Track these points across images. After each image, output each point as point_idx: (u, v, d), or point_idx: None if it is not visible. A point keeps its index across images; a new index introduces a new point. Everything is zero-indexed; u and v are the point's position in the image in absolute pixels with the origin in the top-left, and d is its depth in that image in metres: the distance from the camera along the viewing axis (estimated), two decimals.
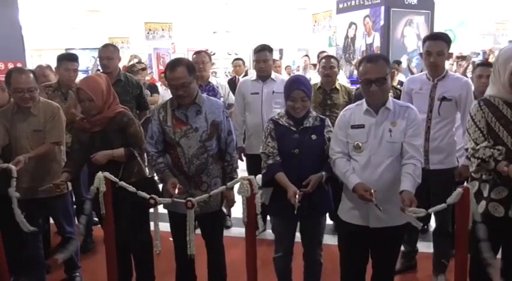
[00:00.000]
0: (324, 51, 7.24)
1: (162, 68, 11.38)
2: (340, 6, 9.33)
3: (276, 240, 2.76)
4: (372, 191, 2.13)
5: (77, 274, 3.32)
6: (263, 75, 3.85)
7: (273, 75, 3.91)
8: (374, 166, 2.25)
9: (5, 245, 2.84)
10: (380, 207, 2.14)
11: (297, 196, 2.32)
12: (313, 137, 2.51)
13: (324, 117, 2.66)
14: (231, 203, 2.76)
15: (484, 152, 2.17)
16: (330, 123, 2.60)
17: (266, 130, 2.60)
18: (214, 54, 12.89)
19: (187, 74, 2.50)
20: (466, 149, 2.32)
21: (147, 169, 2.90)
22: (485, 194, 2.28)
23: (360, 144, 2.25)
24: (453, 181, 3.00)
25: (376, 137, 2.27)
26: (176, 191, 2.45)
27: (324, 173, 2.46)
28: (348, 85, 4.55)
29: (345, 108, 2.47)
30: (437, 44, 2.83)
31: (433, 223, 3.73)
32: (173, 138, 2.59)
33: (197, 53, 4.24)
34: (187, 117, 2.60)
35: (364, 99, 2.36)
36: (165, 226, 4.05)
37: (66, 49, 14.40)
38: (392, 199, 2.23)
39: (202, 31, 14.90)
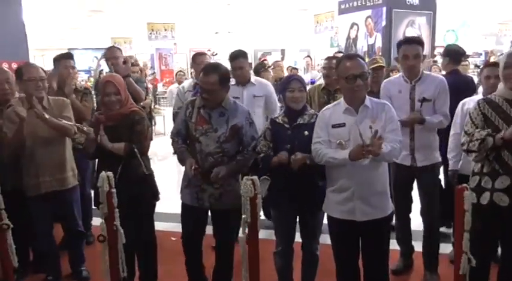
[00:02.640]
0: (340, 52, 7.16)
1: (164, 68, 11.41)
2: (342, 7, 9.35)
3: (276, 234, 2.82)
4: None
5: (84, 267, 3.36)
6: (242, 81, 3.77)
7: (253, 79, 3.86)
8: (357, 162, 2.30)
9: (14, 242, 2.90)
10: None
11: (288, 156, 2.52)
12: (306, 133, 2.58)
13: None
14: (215, 177, 2.65)
15: (480, 134, 2.32)
16: None
17: (263, 130, 2.77)
18: (216, 54, 12.92)
19: (217, 82, 2.61)
20: (462, 144, 2.43)
21: (146, 167, 2.95)
22: (489, 185, 2.36)
23: (343, 142, 2.32)
24: (437, 175, 3.18)
25: (357, 134, 2.31)
26: (192, 171, 2.61)
27: (307, 159, 2.50)
28: None
29: (323, 109, 2.52)
30: (412, 47, 2.94)
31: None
32: (194, 134, 2.72)
33: (200, 54, 4.24)
34: (210, 117, 2.71)
35: (341, 99, 2.44)
36: (167, 226, 4.11)
37: (68, 49, 14.44)
38: (375, 193, 2.37)
39: (204, 31, 14.93)
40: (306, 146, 2.54)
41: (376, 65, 3.83)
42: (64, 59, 3.84)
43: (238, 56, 3.67)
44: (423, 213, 3.14)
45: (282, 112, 2.75)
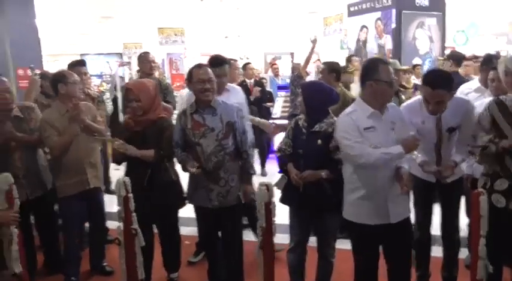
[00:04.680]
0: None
1: (175, 72, 11.48)
2: (352, 9, 9.34)
3: (290, 232, 2.88)
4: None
5: (105, 263, 3.45)
6: (221, 88, 3.39)
7: (227, 85, 3.52)
8: (388, 163, 2.32)
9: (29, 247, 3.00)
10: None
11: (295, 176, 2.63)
12: (319, 142, 2.62)
13: None
14: (247, 197, 2.91)
15: (482, 139, 2.36)
16: None
17: (288, 128, 2.86)
18: None
19: (212, 72, 2.86)
20: (467, 145, 2.47)
21: (173, 172, 3.05)
22: (488, 185, 2.42)
23: (378, 145, 2.30)
24: (462, 187, 3.01)
25: (387, 137, 2.36)
26: (194, 169, 2.74)
27: (323, 172, 2.57)
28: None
29: (345, 113, 2.45)
30: (436, 93, 2.53)
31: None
32: (193, 139, 2.81)
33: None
34: (204, 119, 2.82)
35: (359, 104, 2.41)
36: (181, 230, 4.14)
37: (80, 55, 14.66)
38: (403, 193, 2.38)
39: (214, 36, 15.00)
40: (317, 154, 2.58)
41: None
42: (78, 66, 4.04)
43: (222, 63, 3.33)
44: (445, 225, 2.99)
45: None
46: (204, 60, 4.23)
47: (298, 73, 5.59)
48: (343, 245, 3.00)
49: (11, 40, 5.62)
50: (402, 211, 2.42)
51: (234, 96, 3.43)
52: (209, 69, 2.84)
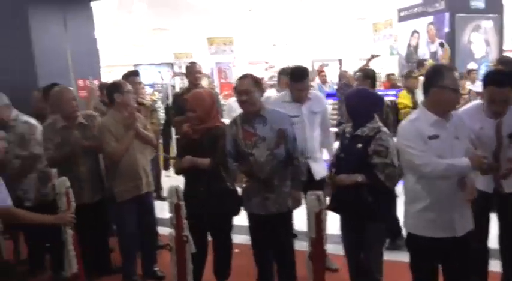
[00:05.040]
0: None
1: (223, 81, 11.70)
2: (402, 14, 9.15)
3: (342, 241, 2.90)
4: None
5: (157, 268, 3.57)
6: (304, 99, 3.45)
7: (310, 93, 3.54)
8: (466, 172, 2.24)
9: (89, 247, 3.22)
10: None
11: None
12: (359, 145, 2.61)
13: (382, 130, 2.65)
14: (296, 203, 2.93)
15: None
16: (383, 136, 2.59)
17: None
18: (273, 67, 13.08)
19: (251, 84, 2.83)
20: None
21: (229, 181, 3.10)
22: None
23: (442, 155, 2.21)
24: None
25: (451, 146, 2.25)
26: (241, 184, 2.83)
27: (359, 177, 2.54)
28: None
29: (408, 120, 2.36)
30: (502, 91, 2.47)
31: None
32: (245, 150, 2.86)
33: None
34: (255, 129, 2.86)
35: (425, 111, 2.30)
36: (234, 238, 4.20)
37: (134, 65, 15.30)
38: (465, 203, 2.28)
39: (262, 44, 15.16)
40: (356, 158, 2.59)
41: None
42: (132, 76, 4.28)
43: (304, 77, 3.36)
44: (503, 239, 2.87)
45: None
46: (252, 69, 4.36)
47: (345, 81, 5.55)
48: (397, 257, 2.93)
49: (71, 53, 5.93)
50: (467, 223, 2.32)
51: (317, 105, 3.48)
52: (249, 81, 2.82)
